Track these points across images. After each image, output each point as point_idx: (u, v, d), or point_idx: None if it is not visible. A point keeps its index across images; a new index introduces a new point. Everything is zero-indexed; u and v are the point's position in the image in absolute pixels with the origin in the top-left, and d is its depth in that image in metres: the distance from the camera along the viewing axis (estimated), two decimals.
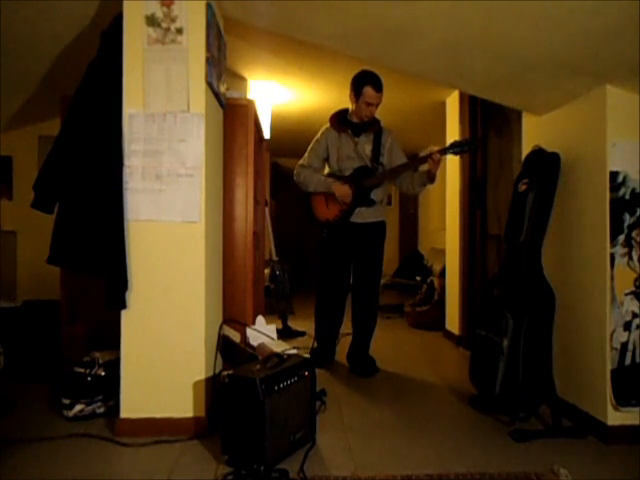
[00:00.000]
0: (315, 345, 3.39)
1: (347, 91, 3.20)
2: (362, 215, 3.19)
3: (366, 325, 3.31)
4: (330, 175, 3.25)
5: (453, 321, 4.19)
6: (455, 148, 2.99)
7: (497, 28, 2.09)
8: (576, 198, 2.45)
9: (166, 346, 2.25)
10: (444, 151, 3.01)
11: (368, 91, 3.05)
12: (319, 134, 3.29)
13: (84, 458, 2.01)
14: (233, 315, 2.76)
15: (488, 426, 2.38)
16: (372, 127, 3.21)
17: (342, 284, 3.33)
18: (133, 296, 2.24)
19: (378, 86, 3.06)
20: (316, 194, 3.23)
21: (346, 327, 3.47)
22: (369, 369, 3.22)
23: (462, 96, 3.99)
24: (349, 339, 3.43)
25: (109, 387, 2.39)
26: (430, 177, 3.07)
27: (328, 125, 3.28)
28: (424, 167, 3.13)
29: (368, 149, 3.19)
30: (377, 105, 3.13)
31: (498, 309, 2.44)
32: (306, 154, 3.30)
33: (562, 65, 2.24)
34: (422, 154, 3.13)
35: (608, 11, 1.77)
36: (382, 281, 5.66)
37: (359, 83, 3.09)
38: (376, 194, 3.21)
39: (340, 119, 3.24)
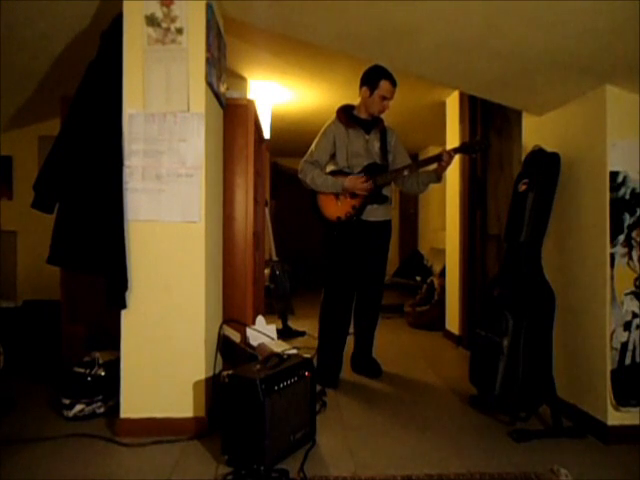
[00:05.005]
0: (317, 363, 2.96)
1: (347, 91, 3.20)
2: (374, 213, 3.07)
3: (371, 325, 3.26)
4: (336, 172, 3.09)
5: (453, 321, 4.19)
6: (469, 148, 3.00)
7: (497, 28, 2.09)
8: (576, 198, 2.45)
9: (166, 346, 2.25)
10: (458, 150, 2.99)
11: (385, 84, 2.99)
12: (325, 128, 3.11)
13: (84, 458, 2.01)
14: (233, 315, 2.76)
15: (488, 426, 2.39)
16: (378, 125, 3.16)
17: (352, 287, 3.13)
18: (133, 296, 2.24)
19: (394, 80, 3.02)
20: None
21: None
22: (374, 371, 3.20)
23: (462, 96, 3.99)
24: (349, 339, 3.42)
25: (109, 387, 2.39)
26: (438, 176, 3.06)
27: (334, 119, 3.12)
28: (432, 166, 3.08)
29: (377, 147, 3.11)
30: (390, 100, 3.07)
31: (498, 309, 2.44)
32: (312, 149, 3.09)
33: (562, 65, 2.24)
34: (436, 153, 3.06)
35: (608, 11, 1.77)
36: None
37: (375, 76, 3.02)
38: (386, 191, 3.14)
39: (348, 114, 3.13)
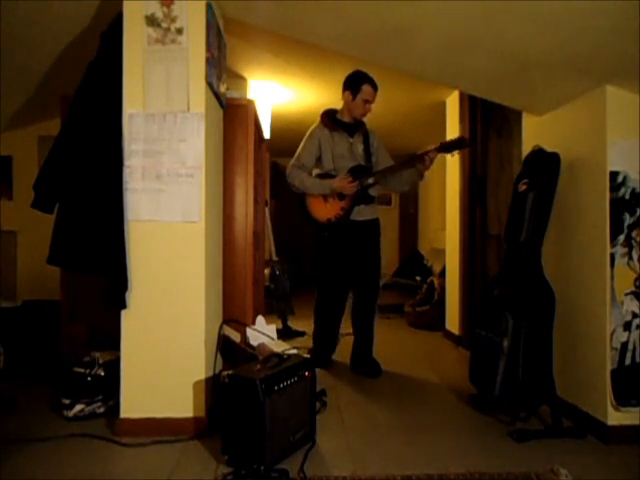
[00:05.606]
0: (312, 345, 3.40)
1: None
2: (361, 213, 3.20)
3: (369, 324, 3.30)
4: (323, 175, 3.20)
5: (453, 321, 4.19)
6: (449, 147, 3.03)
7: (497, 28, 2.09)
8: (576, 198, 2.45)
9: (166, 346, 2.25)
10: (438, 149, 3.03)
11: (367, 88, 3.13)
12: (310, 132, 3.25)
13: (84, 458, 2.01)
14: (233, 315, 2.76)
15: (488, 426, 2.38)
16: (361, 128, 3.27)
17: (344, 284, 3.30)
18: (133, 296, 2.24)
19: (375, 85, 3.15)
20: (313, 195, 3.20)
21: (345, 327, 3.47)
22: (374, 371, 3.21)
23: (462, 96, 3.99)
24: (349, 339, 3.43)
25: (109, 387, 2.39)
26: (420, 174, 3.19)
27: (319, 123, 3.25)
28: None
29: (361, 149, 3.23)
30: (372, 104, 3.19)
31: (498, 309, 2.44)
32: (299, 153, 3.24)
33: (562, 65, 2.24)
34: (419, 152, 3.13)
35: (608, 11, 1.77)
36: (382, 281, 5.66)
37: (357, 81, 3.15)
38: (373, 192, 3.25)
39: (332, 118, 3.24)
